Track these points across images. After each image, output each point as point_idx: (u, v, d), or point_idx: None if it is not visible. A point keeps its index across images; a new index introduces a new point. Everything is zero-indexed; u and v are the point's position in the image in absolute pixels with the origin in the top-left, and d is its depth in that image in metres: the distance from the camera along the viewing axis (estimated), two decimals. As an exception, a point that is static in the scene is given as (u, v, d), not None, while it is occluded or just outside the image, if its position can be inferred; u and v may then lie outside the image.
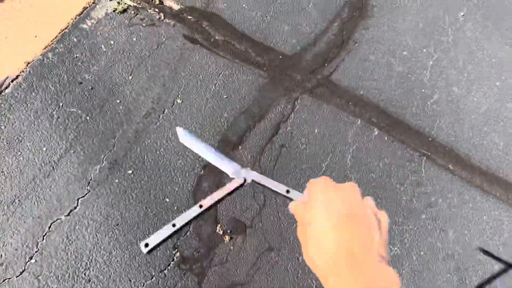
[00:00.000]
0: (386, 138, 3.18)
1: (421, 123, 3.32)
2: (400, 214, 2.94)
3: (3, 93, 2.63)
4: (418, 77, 3.52)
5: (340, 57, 3.47)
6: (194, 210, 0.81)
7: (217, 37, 3.29)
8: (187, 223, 0.77)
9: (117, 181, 2.57)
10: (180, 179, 2.71)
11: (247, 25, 3.41)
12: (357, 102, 3.29)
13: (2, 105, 2.59)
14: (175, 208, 2.60)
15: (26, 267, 2.23)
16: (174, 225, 0.79)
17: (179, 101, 2.96)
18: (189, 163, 2.75)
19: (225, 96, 3.07)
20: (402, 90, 3.43)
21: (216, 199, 0.84)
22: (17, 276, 2.20)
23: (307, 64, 3.40)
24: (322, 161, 3.01)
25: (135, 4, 3.22)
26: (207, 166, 2.79)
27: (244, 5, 3.49)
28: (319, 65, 3.43)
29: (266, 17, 3.50)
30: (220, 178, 2.78)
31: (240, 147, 2.92)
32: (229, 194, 0.86)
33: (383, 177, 3.03)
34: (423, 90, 3.47)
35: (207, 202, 0.83)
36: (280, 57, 3.36)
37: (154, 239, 0.78)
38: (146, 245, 0.78)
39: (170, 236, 0.77)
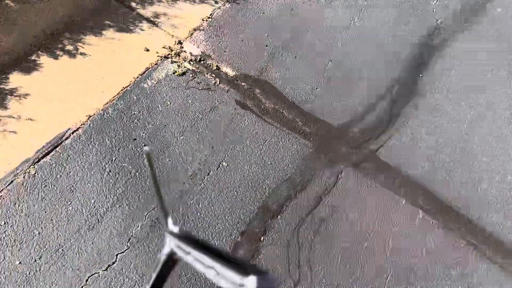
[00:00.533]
0: (431, 222, 3.06)
1: (470, 210, 3.18)
2: None
3: (63, 144, 2.80)
4: (470, 161, 3.42)
5: (388, 134, 3.45)
6: None
7: (267, 105, 3.39)
8: None
9: (156, 240, 2.60)
10: (217, 243, 2.70)
11: (297, 95, 3.50)
12: (403, 181, 3.22)
13: (61, 155, 2.75)
14: (209, 274, 2.57)
15: (59, 320, 2.25)
16: None
17: (224, 164, 3.03)
18: (227, 228, 2.75)
19: (269, 163, 3.11)
20: (452, 173, 3.33)
21: None
22: (49, 328, 2.22)
23: (353, 138, 3.41)
24: (363, 241, 2.92)
25: (193, 68, 3.41)
26: (245, 232, 2.78)
27: (296, 76, 3.61)
28: (366, 140, 3.42)
29: (317, 88, 3.59)
30: (256, 246, 2.75)
31: (279, 216, 2.91)
32: None
33: (426, 264, 2.88)
34: (474, 176, 3.35)
35: None
36: (327, 128, 3.40)
37: None
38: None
39: None
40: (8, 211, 2.49)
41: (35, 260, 2.38)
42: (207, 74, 3.43)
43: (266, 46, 3.72)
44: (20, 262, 2.36)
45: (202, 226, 2.74)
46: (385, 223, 3.02)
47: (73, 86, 3.07)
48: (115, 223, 2.60)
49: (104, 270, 2.44)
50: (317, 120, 3.41)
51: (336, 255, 2.83)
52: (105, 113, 3.00)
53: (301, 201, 3.00)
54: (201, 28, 3.69)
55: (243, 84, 3.46)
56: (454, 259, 2.95)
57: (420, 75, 3.84)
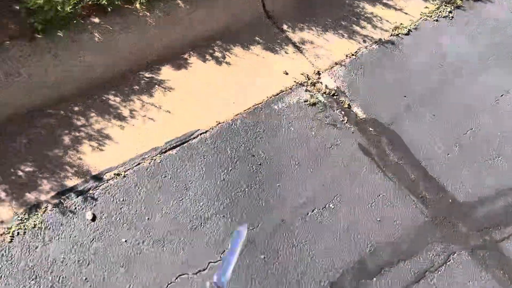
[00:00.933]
0: None
1: None
2: None
3: (190, 142, 2.95)
4: None
5: (519, 227, 3.05)
6: None
7: (391, 157, 3.22)
8: None
9: (248, 261, 2.59)
10: (304, 284, 2.61)
11: (425, 156, 3.26)
12: (526, 287, 2.80)
13: (186, 152, 2.90)
14: (290, 313, 2.49)
15: (143, 307, 2.35)
16: None
17: (331, 206, 2.93)
18: (318, 273, 2.64)
19: (378, 219, 2.93)
20: None
21: None
22: (133, 311, 2.33)
23: (477, 219, 3.06)
24: (462, 337, 2.59)
25: (325, 101, 3.38)
26: (335, 284, 2.64)
27: (429, 135, 3.37)
28: (491, 226, 3.06)
29: (448, 154, 3.31)
30: (343, 302, 2.60)
31: (374, 279, 2.71)
32: None
33: None
34: None
35: None
36: (450, 200, 3.10)
37: None
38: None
39: None
40: (129, 190, 2.69)
41: (139, 244, 2.52)
42: (337, 110, 3.37)
43: (405, 96, 3.55)
44: (126, 241, 2.52)
45: (294, 263, 2.67)
46: (493, 327, 2.65)
47: (211, 91, 3.24)
48: (215, 232, 2.65)
49: (194, 274, 2.50)
50: (441, 189, 3.14)
51: None
52: (233, 124, 3.10)
53: (403, 270, 2.77)
54: (343, 63, 3.66)
55: (370, 129, 3.33)
56: None
57: None
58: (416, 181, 3.14)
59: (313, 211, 2.89)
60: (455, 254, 2.90)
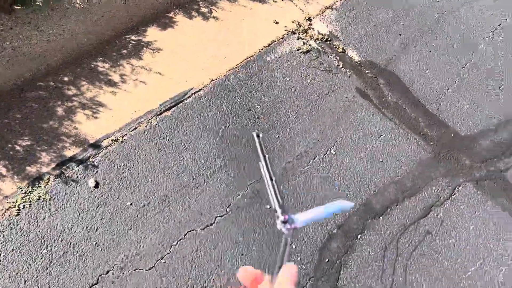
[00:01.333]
0: (558, 266, 2.65)
1: None
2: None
3: (184, 102, 2.91)
4: None
5: (523, 155, 3.03)
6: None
7: (389, 98, 3.17)
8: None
9: (254, 211, 2.61)
10: (311, 230, 2.64)
11: (424, 93, 3.21)
12: (532, 212, 2.82)
13: (181, 112, 2.86)
14: (299, 258, 2.53)
15: (155, 265, 2.39)
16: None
17: (332, 151, 2.91)
18: (326, 218, 2.66)
19: (380, 160, 2.92)
20: None
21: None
22: (146, 270, 2.37)
23: (480, 151, 3.05)
24: (470, 265, 2.64)
25: (318, 48, 3.30)
26: (342, 226, 2.66)
27: (427, 71, 3.30)
28: (495, 156, 3.04)
29: (448, 89, 3.25)
30: (352, 243, 2.63)
31: (381, 218, 2.73)
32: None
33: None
34: None
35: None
36: (452, 135, 3.08)
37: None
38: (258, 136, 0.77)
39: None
40: (129, 155, 2.68)
41: (144, 205, 2.54)
42: (331, 55, 3.29)
43: (400, 35, 3.45)
44: (131, 204, 2.53)
45: (299, 209, 2.68)
46: (500, 250, 2.69)
47: (201, 48, 3.16)
48: (219, 187, 2.66)
49: (202, 229, 2.53)
50: (442, 124, 3.10)
51: (436, 274, 2.59)
52: (226, 79, 3.05)
53: (408, 207, 2.79)
54: (334, 7, 3.54)
55: (367, 71, 3.26)
56: None
57: None
58: (416, 119, 3.10)
59: (314, 158, 2.88)
60: (460, 187, 2.90)
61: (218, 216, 2.58)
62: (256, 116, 2.94)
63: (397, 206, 2.78)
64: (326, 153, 2.91)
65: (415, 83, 3.24)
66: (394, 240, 2.67)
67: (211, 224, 2.56)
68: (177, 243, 2.47)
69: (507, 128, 3.15)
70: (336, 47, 3.33)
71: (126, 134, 2.75)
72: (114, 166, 2.64)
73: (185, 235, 2.50)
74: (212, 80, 3.03)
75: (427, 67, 3.32)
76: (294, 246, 2.55)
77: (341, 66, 3.25)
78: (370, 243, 2.65)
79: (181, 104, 2.90)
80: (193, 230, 2.52)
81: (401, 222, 2.73)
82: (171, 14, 3.28)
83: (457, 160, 2.99)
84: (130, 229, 2.47)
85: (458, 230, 2.76)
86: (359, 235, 2.66)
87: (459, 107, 3.19)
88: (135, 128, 2.78)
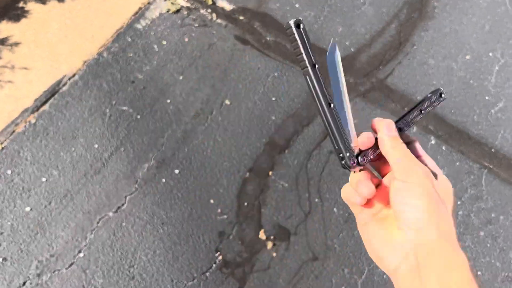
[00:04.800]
0: (443, 148, 2.98)
1: (483, 132, 3.08)
2: (456, 230, 2.73)
3: (60, 91, 2.73)
4: (482, 83, 3.28)
5: (396, 60, 3.30)
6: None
7: (268, 38, 3.24)
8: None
9: (164, 180, 2.59)
10: (225, 181, 2.68)
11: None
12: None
13: (60, 102, 2.69)
14: (219, 210, 2.58)
15: (75, 260, 2.30)
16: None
17: (227, 102, 2.94)
18: (235, 166, 2.72)
19: (273, 99, 3.01)
20: (463, 96, 3.20)
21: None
22: (66, 268, 2.27)
23: (361, 67, 3.26)
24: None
25: (188, 5, 3.24)
26: (253, 169, 2.74)
27: (297, 5, 3.41)
28: (374, 68, 3.28)
29: (320, 17, 3.40)
30: (265, 181, 2.73)
31: (286, 151, 2.85)
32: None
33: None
34: (486, 97, 3.22)
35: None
36: (332, 59, 3.25)
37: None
38: (297, 25, 0.56)
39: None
40: (14, 160, 2.48)
41: (45, 206, 2.39)
42: (202, 10, 3.25)
43: (264, -25, 3.50)
44: (31, 209, 2.38)
45: (209, 165, 2.71)
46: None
47: (64, 32, 2.95)
48: (121, 166, 2.58)
49: (114, 212, 2.46)
50: (322, 51, 3.25)
51: (345, 182, 2.79)
52: (100, 57, 2.90)
53: (308, 135, 2.93)
54: (193, -39, 3.47)
55: (241, 18, 3.29)
56: (468, 182, 2.89)
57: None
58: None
59: (212, 113, 2.89)
60: (351, 104, 3.09)
61: (127, 195, 2.52)
62: (142, 87, 2.85)
63: (299, 137, 2.91)
64: (222, 105, 2.93)
65: (288, 18, 3.34)
66: (302, 167, 2.81)
67: (123, 205, 2.49)
68: (91, 233, 2.38)
69: (379, 40, 3.39)
70: (205, 0, 3.29)
71: (4, 140, 2.53)
72: (0, 176, 2.43)
73: (97, 223, 2.41)
74: (85, 62, 2.86)
75: (296, 0, 3.43)
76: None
77: (214, 18, 3.24)
78: (282, 176, 2.76)
79: (57, 94, 2.72)
80: (105, 216, 2.44)
81: (305, 150, 2.87)
82: (21, 4, 3.00)
83: (342, 80, 3.17)
84: (37, 234, 2.32)
85: (357, 142, 2.97)
86: (270, 172, 2.76)
87: (334, 32, 3.36)
88: (13, 132, 2.56)
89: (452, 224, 0.56)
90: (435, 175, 0.61)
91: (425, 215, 0.53)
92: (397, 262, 0.54)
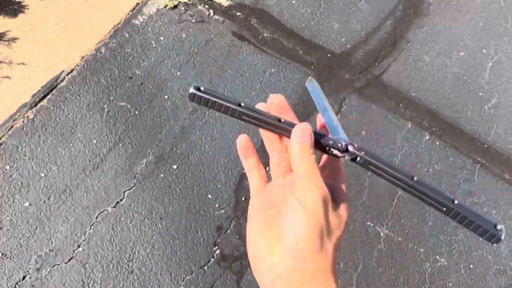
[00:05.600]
0: (437, 143, 3.02)
1: (476, 128, 3.13)
2: (449, 224, 2.79)
3: (58, 86, 2.74)
4: (475, 80, 3.32)
5: (391, 57, 3.33)
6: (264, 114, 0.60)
7: (265, 34, 3.26)
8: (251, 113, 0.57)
9: (162, 175, 2.61)
10: (223, 176, 2.71)
11: (296, 22, 3.35)
12: (408, 104, 3.15)
13: (58, 97, 2.70)
14: (217, 205, 2.61)
15: (74, 255, 2.32)
16: (239, 105, 0.56)
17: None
18: (232, 161, 2.75)
19: (270, 94, 3.03)
20: (457, 93, 3.24)
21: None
22: (65, 263, 2.29)
23: (356, 63, 3.30)
24: (368, 165, 2.91)
25: (185, 0, 3.25)
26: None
27: (293, 2, 3.43)
28: (369, 65, 3.31)
29: (316, 14, 3.42)
30: (262, 177, 2.75)
31: (284, 146, 2.88)
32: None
33: (433, 184, 2.89)
34: (480, 94, 3.27)
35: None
36: (329, 55, 3.28)
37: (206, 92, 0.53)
38: (197, 89, 0.57)
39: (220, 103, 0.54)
40: (12, 156, 2.49)
41: (44, 201, 2.41)
42: (200, 5, 3.27)
43: (261, -28, 3.51)
44: (30, 204, 2.39)
45: (207, 160, 2.73)
46: (391, 146, 2.99)
47: (62, 27, 2.95)
48: (120, 162, 2.60)
49: (113, 207, 2.48)
50: (318, 47, 3.29)
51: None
52: (98, 53, 2.90)
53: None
54: (190, -43, 3.47)
55: (238, 14, 3.31)
56: (461, 177, 2.94)
57: (425, -7, 3.63)
58: (294, 49, 3.25)
59: (209, 109, 2.90)
60: (346, 100, 3.14)
61: (126, 190, 2.54)
62: (140, 82, 2.87)
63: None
64: (219, 101, 2.95)
65: (285, 15, 3.36)
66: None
67: (121, 200, 2.52)
68: (90, 228, 2.40)
69: (374, 36, 3.42)
70: (202, -4, 3.30)
71: (3, 136, 2.54)
72: (-2, 171, 2.44)
73: (96, 217, 2.44)
74: (83, 57, 2.87)
75: (293, -3, 3.45)
76: (210, 196, 2.61)
77: (212, 14, 3.25)
78: (279, 172, 2.79)
79: (55, 89, 2.72)
80: (104, 211, 2.46)
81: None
82: (17, -1, 3.00)
83: (338, 76, 3.21)
84: (36, 229, 2.34)
85: (353, 138, 2.99)
86: (267, 168, 2.78)
87: (330, 28, 3.39)
88: (12, 127, 2.57)
89: (331, 257, 0.56)
90: (337, 201, 0.59)
91: (304, 246, 0.53)
92: (272, 279, 0.55)
